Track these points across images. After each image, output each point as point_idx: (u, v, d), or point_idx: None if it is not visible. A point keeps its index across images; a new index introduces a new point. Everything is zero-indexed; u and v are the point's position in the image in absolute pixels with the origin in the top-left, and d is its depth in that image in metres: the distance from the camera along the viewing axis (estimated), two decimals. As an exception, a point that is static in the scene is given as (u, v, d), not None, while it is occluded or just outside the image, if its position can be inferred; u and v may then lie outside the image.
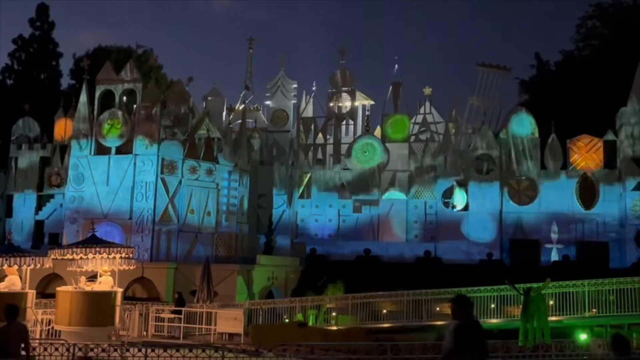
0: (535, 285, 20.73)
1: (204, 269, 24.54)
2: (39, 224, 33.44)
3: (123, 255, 18.74)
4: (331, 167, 35.93)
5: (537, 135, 32.17)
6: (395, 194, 33.78)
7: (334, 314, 24.18)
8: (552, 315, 21.24)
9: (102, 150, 29.53)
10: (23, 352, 10.80)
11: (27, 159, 34.51)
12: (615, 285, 22.00)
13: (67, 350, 14.00)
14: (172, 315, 22.39)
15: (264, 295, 27.97)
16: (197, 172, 29.32)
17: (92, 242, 18.34)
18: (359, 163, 34.26)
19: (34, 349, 14.24)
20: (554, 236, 30.22)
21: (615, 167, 31.08)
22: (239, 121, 33.91)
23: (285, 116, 36.85)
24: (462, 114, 35.79)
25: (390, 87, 36.96)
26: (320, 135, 36.82)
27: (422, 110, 36.99)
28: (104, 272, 18.90)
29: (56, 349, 14.05)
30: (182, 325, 21.78)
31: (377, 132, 36.46)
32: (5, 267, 16.99)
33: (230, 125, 35.21)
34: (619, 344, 8.68)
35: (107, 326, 17.95)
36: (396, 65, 37.50)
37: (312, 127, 36.93)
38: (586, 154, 31.49)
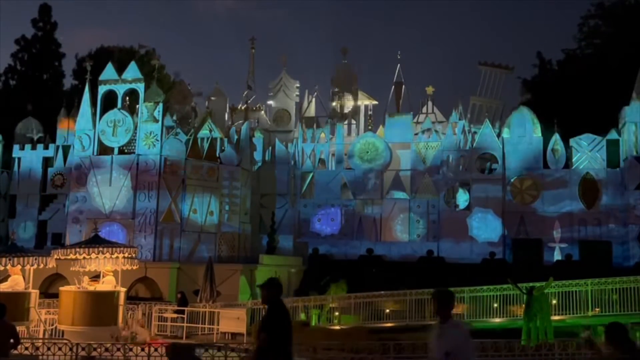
0: (538, 284, 20.72)
1: (206, 268, 24.56)
2: (42, 224, 33.51)
3: (126, 255, 18.75)
4: (333, 167, 35.96)
5: (539, 134, 32.14)
6: (397, 194, 33.78)
7: (336, 313, 24.19)
8: (555, 315, 21.24)
9: (104, 150, 29.57)
10: (15, 351, 10.91)
11: (30, 159, 34.58)
12: (618, 285, 21.99)
13: (71, 349, 14.03)
14: (175, 315, 22.42)
15: (267, 295, 27.93)
16: (200, 172, 29.34)
17: (95, 242, 18.34)
18: (362, 163, 34.26)
19: (37, 348, 14.29)
20: (556, 235, 30.19)
21: (618, 165, 31.03)
22: (242, 121, 33.94)
23: (287, 116, 36.88)
24: (465, 113, 35.78)
25: (393, 87, 36.98)
26: (322, 134, 36.85)
27: (424, 110, 36.98)
28: (107, 272, 18.90)
29: (59, 349, 14.08)
30: (184, 324, 21.80)
31: (380, 131, 36.47)
32: (8, 267, 17.00)
33: (233, 125, 35.25)
34: (615, 334, 7.22)
35: (110, 326, 17.95)
36: (398, 65, 37.53)
37: (315, 126, 36.97)
38: (589, 153, 31.44)
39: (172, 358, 7.71)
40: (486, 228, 31.19)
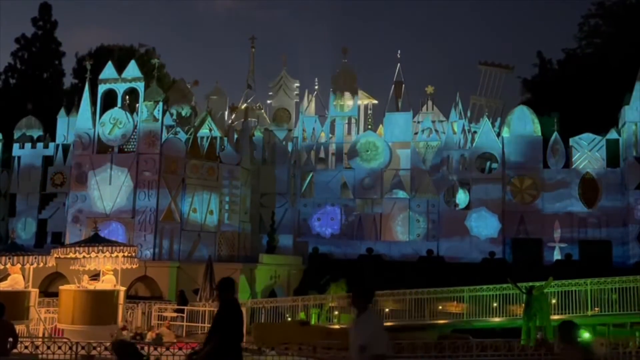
0: (537, 284, 20.73)
1: (206, 267, 24.56)
2: (42, 223, 33.51)
3: (126, 254, 18.77)
4: (333, 167, 35.94)
5: (539, 133, 32.14)
6: (397, 193, 33.78)
7: (336, 312, 24.19)
8: (554, 314, 21.23)
9: (104, 149, 29.56)
10: (15, 350, 10.94)
11: (30, 158, 34.58)
12: (618, 284, 21.97)
13: (70, 348, 14.04)
14: (175, 314, 22.42)
15: (267, 294, 27.99)
16: (200, 171, 29.34)
17: (95, 240, 18.36)
18: (362, 162, 34.26)
19: (37, 347, 14.30)
20: (556, 235, 30.19)
21: (618, 165, 31.02)
22: (242, 120, 33.93)
23: (287, 115, 36.83)
24: (465, 112, 35.76)
25: (393, 86, 36.94)
26: (322, 134, 36.84)
27: (424, 109, 36.98)
28: (106, 270, 18.92)
29: (59, 348, 14.09)
30: (184, 323, 21.81)
31: (380, 130, 36.45)
32: (8, 265, 17.03)
33: (233, 124, 35.23)
34: (567, 332, 7.22)
35: (110, 325, 17.97)
36: (398, 64, 37.48)
37: (315, 125, 36.94)
38: (589, 153, 31.44)
39: (117, 354, 7.65)
40: (486, 228, 31.18)
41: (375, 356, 6.95)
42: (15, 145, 35.11)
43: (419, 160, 34.28)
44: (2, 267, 16.97)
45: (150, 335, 18.81)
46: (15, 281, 17.35)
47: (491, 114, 34.66)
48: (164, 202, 28.26)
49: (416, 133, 35.86)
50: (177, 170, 28.77)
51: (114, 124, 29.33)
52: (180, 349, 14.39)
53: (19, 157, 34.83)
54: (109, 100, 30.34)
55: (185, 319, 21.93)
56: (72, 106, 34.49)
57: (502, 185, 31.69)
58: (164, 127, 29.07)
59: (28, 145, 34.85)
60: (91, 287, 18.48)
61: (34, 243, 32.03)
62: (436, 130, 35.54)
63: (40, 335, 17.56)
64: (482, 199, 31.60)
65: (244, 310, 22.06)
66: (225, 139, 31.28)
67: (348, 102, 36.62)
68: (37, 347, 14.34)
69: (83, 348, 14.12)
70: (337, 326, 22.91)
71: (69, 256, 18.47)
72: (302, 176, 35.85)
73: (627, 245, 29.62)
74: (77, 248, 18.16)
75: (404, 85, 36.82)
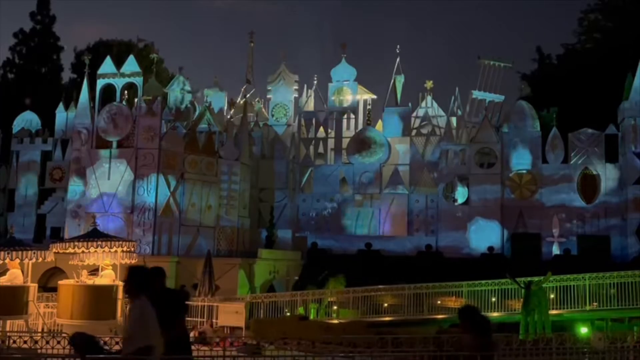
0: (536, 278, 20.77)
1: (205, 262, 24.59)
2: (40, 218, 33.51)
3: (125, 249, 18.76)
4: (332, 162, 35.93)
5: (538, 128, 32.12)
6: (396, 188, 33.77)
7: (335, 307, 24.24)
8: (553, 309, 21.28)
9: (103, 144, 29.52)
10: (14, 345, 10.93)
11: (28, 153, 34.55)
12: (616, 279, 22.03)
13: (69, 343, 14.03)
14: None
15: (266, 289, 28.03)
16: (199, 166, 29.33)
17: (94, 235, 18.36)
18: (360, 157, 34.25)
19: (36, 342, 14.30)
20: (555, 230, 30.21)
21: (617, 160, 31.02)
22: (240, 115, 33.90)
23: (286, 110, 36.82)
24: (464, 107, 35.75)
25: (392, 81, 36.91)
26: (321, 129, 36.83)
27: (423, 104, 36.96)
28: (105, 265, 18.92)
29: (58, 342, 14.09)
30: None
31: (379, 125, 36.44)
32: (7, 260, 17.02)
33: (232, 119, 35.20)
34: (467, 318, 6.95)
35: (109, 320, 17.98)
36: (397, 59, 37.44)
37: (313, 121, 36.96)
38: (588, 148, 31.44)
39: (75, 347, 7.38)
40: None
41: (138, 348, 6.49)
42: (14, 140, 35.09)
43: (418, 156, 34.27)
44: (1, 262, 16.95)
45: (193, 334, 18.75)
46: (14, 276, 17.35)
47: (490, 109, 34.65)
48: (162, 197, 28.25)
49: (415, 128, 35.86)
50: (175, 165, 28.76)
51: (112, 119, 29.07)
52: (232, 343, 14.31)
53: (17, 152, 34.80)
54: (108, 94, 30.30)
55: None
56: (71, 101, 34.45)
57: (500, 180, 31.67)
58: (162, 122, 29.03)
59: (27, 140, 34.82)
60: (90, 282, 18.48)
61: (32, 238, 32.03)
62: (435, 125, 35.52)
63: (40, 330, 17.57)
64: (480, 193, 31.59)
65: (242, 305, 22.17)
66: (224, 134, 31.26)
67: (347, 96, 36.63)
68: (36, 342, 14.35)
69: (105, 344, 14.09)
70: (335, 321, 22.96)
71: (67, 251, 18.47)
72: (301, 171, 35.85)
73: (625, 240, 29.64)
74: (76, 243, 18.16)
75: (403, 80, 36.80)
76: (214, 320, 21.43)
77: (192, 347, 14.53)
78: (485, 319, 7.18)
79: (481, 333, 6.94)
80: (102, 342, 9.03)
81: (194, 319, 22.20)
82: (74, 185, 29.71)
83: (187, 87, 32.14)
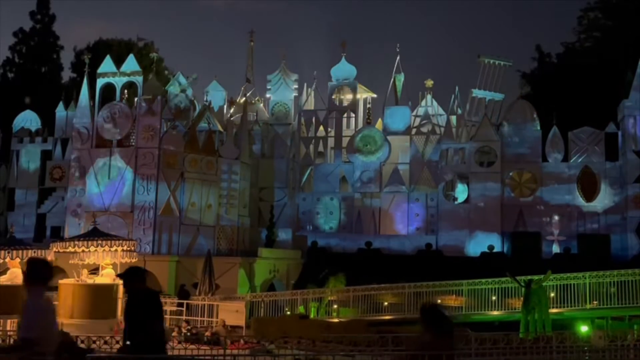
0: (536, 277, 20.78)
1: (205, 261, 24.59)
2: (41, 218, 33.52)
3: (125, 248, 18.79)
4: (332, 160, 35.93)
5: (538, 127, 32.12)
6: (396, 187, 33.78)
7: (335, 306, 24.25)
8: (553, 308, 21.29)
9: (103, 143, 29.51)
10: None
11: (28, 152, 34.54)
12: (616, 278, 22.04)
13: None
14: (175, 308, 22.45)
15: (266, 287, 28.03)
16: (199, 165, 29.32)
17: (94, 235, 18.38)
18: (360, 155, 34.25)
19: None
20: (555, 229, 30.21)
21: (617, 159, 31.02)
22: (240, 114, 33.89)
23: (286, 109, 36.82)
24: (464, 106, 35.75)
25: (392, 80, 36.92)
26: (321, 128, 36.82)
27: (423, 103, 36.96)
28: (105, 265, 18.94)
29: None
30: (184, 317, 21.83)
31: (379, 124, 36.45)
32: (7, 259, 17.04)
33: (232, 118, 35.18)
34: (427, 317, 6.75)
35: (109, 319, 18.00)
36: (397, 58, 37.44)
37: (314, 119, 36.95)
38: (588, 146, 31.43)
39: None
40: (484, 221, 30.94)
41: (23, 339, 6.54)
42: (14, 140, 35.07)
43: (418, 154, 34.27)
44: (1, 261, 16.98)
45: (206, 335, 18.75)
46: (15, 275, 17.36)
47: (490, 108, 34.65)
48: (162, 196, 28.24)
49: (415, 127, 35.86)
50: (175, 165, 28.74)
51: (112, 118, 29.09)
52: (247, 343, 14.31)
53: (17, 152, 34.80)
54: (108, 94, 30.28)
55: (185, 313, 21.97)
56: (71, 100, 34.44)
57: (500, 179, 31.67)
58: (162, 121, 29.01)
59: (27, 139, 34.82)
60: (90, 281, 18.51)
61: (33, 237, 32.03)
62: (435, 124, 35.51)
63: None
64: (480, 192, 31.59)
65: (242, 304, 22.18)
66: (224, 133, 31.24)
67: (347, 95, 36.63)
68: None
69: (82, 342, 14.12)
70: (336, 320, 22.97)
71: (68, 250, 18.49)
72: (301, 170, 35.84)
73: (625, 239, 29.66)
74: (76, 242, 18.19)
75: (403, 78, 36.81)
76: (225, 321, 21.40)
77: (206, 348, 14.52)
78: (447, 319, 7.00)
79: (441, 333, 6.74)
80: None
81: (195, 318, 22.26)
82: (74, 185, 29.70)
83: (183, 80, 32.02)
